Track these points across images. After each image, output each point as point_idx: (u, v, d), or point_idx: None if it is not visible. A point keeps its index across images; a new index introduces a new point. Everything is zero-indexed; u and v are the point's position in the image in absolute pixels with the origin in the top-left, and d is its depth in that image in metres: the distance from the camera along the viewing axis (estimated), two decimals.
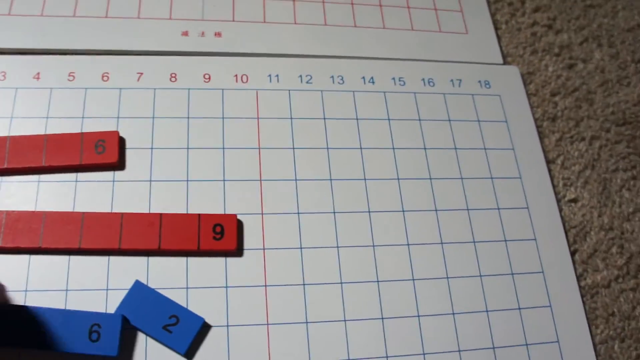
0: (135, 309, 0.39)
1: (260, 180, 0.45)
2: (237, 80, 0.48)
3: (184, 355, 0.39)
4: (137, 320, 0.39)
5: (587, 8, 0.59)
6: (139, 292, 0.40)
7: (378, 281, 0.43)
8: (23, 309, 0.38)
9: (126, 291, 0.40)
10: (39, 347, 0.37)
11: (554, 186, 0.49)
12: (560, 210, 0.48)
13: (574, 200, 0.49)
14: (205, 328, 0.40)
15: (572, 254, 0.46)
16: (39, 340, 0.37)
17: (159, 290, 0.40)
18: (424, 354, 0.41)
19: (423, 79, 0.51)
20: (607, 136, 0.52)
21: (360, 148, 0.47)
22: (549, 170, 0.49)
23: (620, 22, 0.58)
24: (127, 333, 0.39)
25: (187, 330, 0.39)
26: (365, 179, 0.46)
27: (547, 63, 0.55)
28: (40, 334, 0.37)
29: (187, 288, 0.41)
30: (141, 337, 0.39)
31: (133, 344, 0.39)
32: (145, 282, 0.40)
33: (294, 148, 0.46)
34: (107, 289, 0.40)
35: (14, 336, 0.37)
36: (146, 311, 0.39)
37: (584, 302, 0.45)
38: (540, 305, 0.44)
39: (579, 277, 0.46)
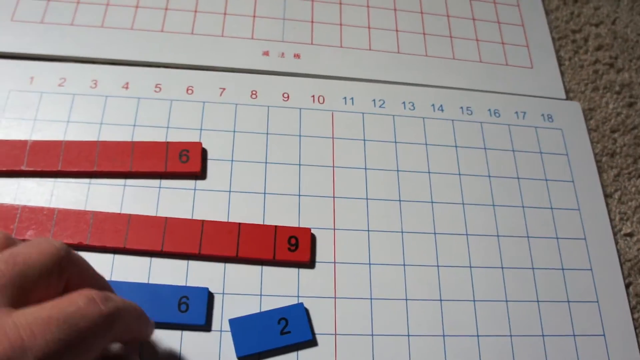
0: (249, 341, 0.41)
1: (334, 197, 0.47)
2: (314, 101, 0.51)
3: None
4: (259, 346, 0.41)
5: None
6: (240, 326, 0.42)
7: (441, 300, 0.45)
8: (115, 284, 0.41)
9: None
10: None
11: (610, 219, 0.50)
12: (616, 243, 0.50)
13: (630, 235, 0.50)
14: None
15: (627, 286, 0.48)
16: None
17: (233, 296, 0.43)
18: None
19: (489, 110, 0.53)
20: None
21: (429, 172, 0.49)
22: (607, 204, 0.51)
23: None
24: (212, 305, 0.42)
25: (300, 320, 0.42)
26: (432, 202, 0.48)
27: (608, 100, 0.57)
28: None
29: (260, 295, 0.43)
30: (225, 308, 0.42)
31: (218, 315, 0.42)
32: (221, 287, 0.43)
33: (366, 168, 0.48)
34: None
35: None
36: (258, 334, 0.41)
37: (637, 334, 0.46)
38: (594, 334, 0.46)
39: (632, 309, 0.47)
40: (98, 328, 0.28)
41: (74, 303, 0.27)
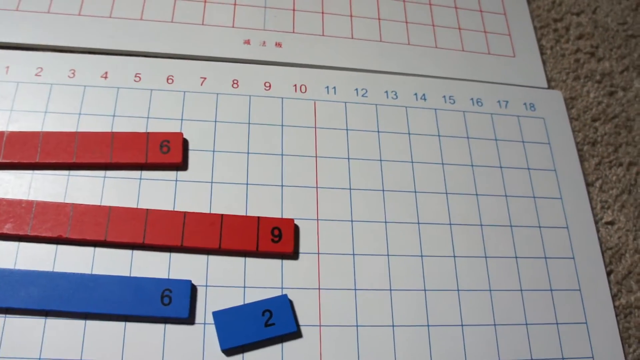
0: (234, 333, 0.41)
1: (317, 187, 0.47)
2: (296, 90, 0.50)
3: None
4: (244, 338, 0.41)
5: (628, 38, 0.61)
6: (224, 318, 0.41)
7: (425, 290, 0.45)
8: (98, 278, 0.41)
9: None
10: (115, 312, 0.40)
11: (592, 208, 0.51)
12: (598, 231, 0.50)
13: (611, 223, 0.51)
14: None
15: (608, 274, 0.48)
16: (115, 305, 0.40)
17: (217, 288, 0.42)
18: None
19: (472, 99, 0.53)
20: None
21: (412, 162, 0.49)
22: (588, 193, 0.51)
23: None
24: (195, 298, 0.42)
25: (285, 311, 0.42)
26: (415, 192, 0.48)
27: (589, 89, 0.57)
28: (115, 300, 0.40)
29: (244, 287, 0.43)
30: (208, 301, 0.42)
31: (202, 308, 0.42)
32: (204, 280, 0.42)
33: (349, 158, 0.48)
34: None
35: (90, 302, 0.40)
36: (242, 326, 0.41)
37: (618, 322, 0.47)
38: (577, 322, 0.46)
39: (613, 297, 0.48)
40: None
41: None
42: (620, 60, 0.59)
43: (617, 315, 0.47)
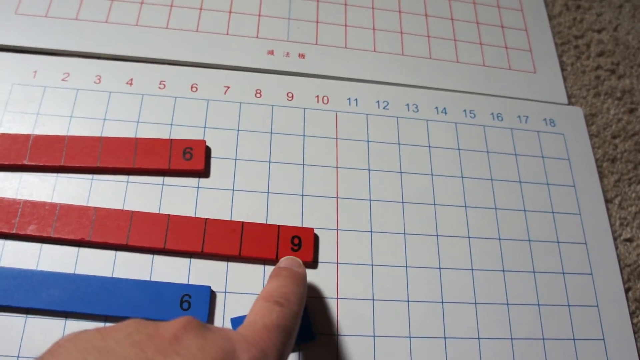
0: None
1: (337, 197, 0.47)
2: (318, 101, 0.51)
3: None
4: None
5: None
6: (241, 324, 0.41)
7: (442, 302, 0.45)
8: (118, 281, 0.41)
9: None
10: (134, 316, 0.40)
11: (611, 225, 0.51)
12: (616, 248, 0.50)
13: (630, 240, 0.51)
14: None
15: (626, 291, 0.48)
16: (134, 309, 0.40)
17: (235, 295, 0.42)
18: None
19: (492, 113, 0.53)
20: None
21: (432, 175, 0.49)
22: (607, 209, 0.51)
23: None
24: (214, 304, 0.42)
25: (303, 320, 0.40)
26: (434, 204, 0.48)
27: (609, 106, 0.57)
28: (134, 304, 0.41)
29: None
30: (227, 307, 0.42)
31: (220, 314, 0.42)
32: (223, 286, 0.43)
33: (369, 169, 0.48)
34: None
35: (110, 305, 0.40)
36: None
37: (635, 339, 0.46)
38: (594, 338, 0.46)
39: (631, 314, 0.47)
40: (297, 321, 0.34)
41: (272, 310, 0.33)
42: None
43: (635, 333, 0.47)
